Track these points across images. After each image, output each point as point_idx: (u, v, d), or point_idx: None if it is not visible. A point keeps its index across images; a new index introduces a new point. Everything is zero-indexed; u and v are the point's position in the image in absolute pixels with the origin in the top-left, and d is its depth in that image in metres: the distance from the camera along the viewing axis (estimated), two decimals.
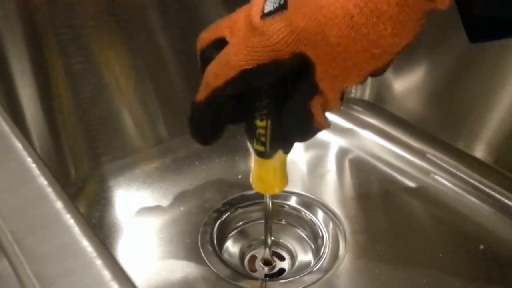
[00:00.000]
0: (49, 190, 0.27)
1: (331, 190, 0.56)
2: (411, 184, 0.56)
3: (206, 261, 0.48)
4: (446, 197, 0.54)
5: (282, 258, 0.51)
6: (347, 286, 0.47)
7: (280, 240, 0.52)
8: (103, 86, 0.54)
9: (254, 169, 0.41)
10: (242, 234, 0.53)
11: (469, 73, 0.54)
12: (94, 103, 0.54)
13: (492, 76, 0.52)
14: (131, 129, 0.58)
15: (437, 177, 0.56)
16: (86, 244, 0.24)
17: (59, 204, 0.26)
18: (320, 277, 0.47)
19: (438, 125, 0.58)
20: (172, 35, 0.57)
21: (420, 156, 0.58)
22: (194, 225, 0.51)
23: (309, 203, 0.54)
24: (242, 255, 0.51)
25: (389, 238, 0.51)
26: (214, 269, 0.47)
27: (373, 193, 0.56)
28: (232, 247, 0.52)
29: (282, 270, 0.50)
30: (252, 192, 0.54)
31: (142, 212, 0.53)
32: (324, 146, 0.61)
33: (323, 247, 0.50)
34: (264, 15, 0.30)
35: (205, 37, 0.36)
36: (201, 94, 0.34)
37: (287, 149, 0.38)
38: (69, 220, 0.25)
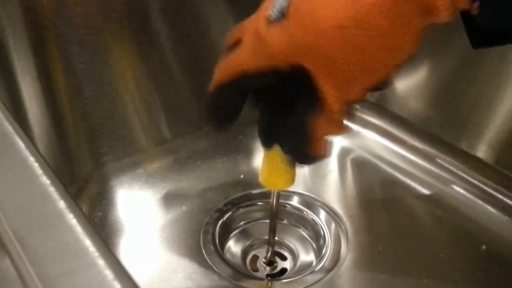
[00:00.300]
0: (51, 189, 0.27)
1: (333, 190, 0.56)
2: (413, 184, 0.56)
3: (208, 260, 0.48)
4: (448, 197, 0.54)
5: (284, 258, 0.51)
6: (349, 286, 0.47)
7: (282, 240, 0.52)
8: (105, 86, 0.55)
9: (262, 162, 0.42)
10: (244, 234, 0.53)
11: (472, 74, 0.54)
12: (97, 103, 0.55)
13: (494, 77, 0.52)
14: (134, 129, 0.58)
15: (439, 178, 0.56)
16: (88, 243, 0.24)
17: (61, 204, 0.26)
18: (322, 277, 0.47)
19: (440, 125, 0.58)
20: (175, 35, 0.57)
21: (423, 156, 0.58)
22: (196, 225, 0.52)
23: (311, 203, 0.54)
24: (244, 255, 0.51)
25: (391, 238, 0.51)
26: (216, 269, 0.47)
27: (375, 193, 0.56)
28: (234, 246, 0.52)
29: (284, 270, 0.50)
30: (254, 191, 0.55)
31: (144, 212, 0.53)
32: None
33: (325, 247, 0.50)
34: (270, 22, 0.30)
35: (229, 36, 0.37)
36: (211, 86, 0.35)
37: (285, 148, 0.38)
38: (72, 219, 0.25)
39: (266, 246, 0.50)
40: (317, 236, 0.52)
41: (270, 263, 0.50)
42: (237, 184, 0.56)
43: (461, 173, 0.55)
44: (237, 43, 0.34)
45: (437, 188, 0.55)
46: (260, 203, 0.54)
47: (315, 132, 0.32)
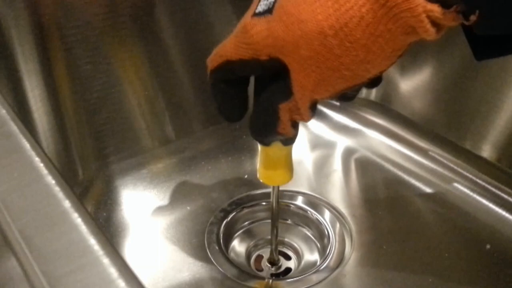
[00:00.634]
0: (56, 189, 0.27)
1: (338, 189, 0.56)
2: (418, 183, 0.56)
3: (213, 260, 0.48)
4: (452, 196, 0.54)
5: (288, 258, 0.51)
6: (353, 285, 0.47)
7: (286, 240, 0.52)
8: (110, 86, 0.55)
9: (259, 158, 0.42)
10: (248, 234, 0.53)
11: (475, 73, 0.54)
12: (102, 103, 0.55)
13: (498, 76, 0.52)
14: (138, 129, 0.58)
15: (443, 177, 0.56)
16: (93, 242, 0.24)
17: (66, 203, 0.26)
18: (326, 276, 0.47)
19: (444, 125, 0.58)
20: (180, 35, 0.57)
21: (426, 156, 0.58)
22: (200, 225, 0.52)
23: (315, 203, 0.54)
24: (248, 255, 0.51)
25: (395, 237, 0.51)
26: (220, 269, 0.47)
27: (379, 192, 0.56)
28: (238, 246, 0.52)
29: (288, 270, 0.50)
30: (259, 191, 0.55)
31: (148, 212, 0.54)
32: (330, 146, 0.61)
33: (329, 247, 0.50)
34: (255, 14, 0.32)
35: None
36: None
37: (287, 141, 0.39)
38: (77, 219, 0.26)
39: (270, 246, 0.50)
40: (321, 236, 0.52)
41: (273, 262, 0.50)
42: (242, 184, 0.56)
43: (465, 173, 0.55)
44: None
45: (441, 188, 0.55)
46: (264, 203, 0.54)
47: (281, 116, 0.33)
